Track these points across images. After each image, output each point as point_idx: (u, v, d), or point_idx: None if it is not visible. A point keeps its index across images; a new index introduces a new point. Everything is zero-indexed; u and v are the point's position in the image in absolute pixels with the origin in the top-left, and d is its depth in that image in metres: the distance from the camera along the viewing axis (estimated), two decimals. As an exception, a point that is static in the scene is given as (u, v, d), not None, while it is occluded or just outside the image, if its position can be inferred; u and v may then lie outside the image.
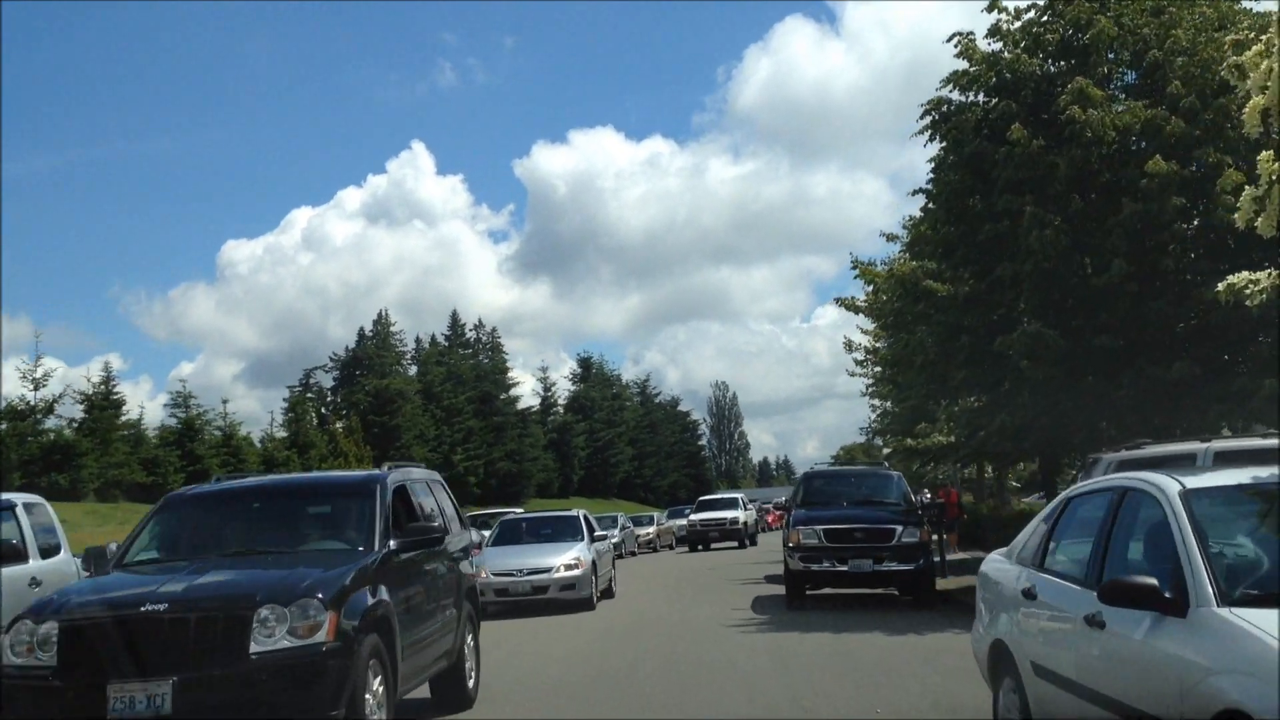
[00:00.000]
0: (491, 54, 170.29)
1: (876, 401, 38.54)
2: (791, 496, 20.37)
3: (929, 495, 34.59)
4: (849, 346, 31.48)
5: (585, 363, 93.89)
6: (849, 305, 28.22)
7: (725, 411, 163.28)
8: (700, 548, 39.96)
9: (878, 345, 30.27)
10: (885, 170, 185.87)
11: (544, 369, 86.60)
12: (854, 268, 23.30)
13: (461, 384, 73.04)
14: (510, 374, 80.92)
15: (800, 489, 19.13)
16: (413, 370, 73.47)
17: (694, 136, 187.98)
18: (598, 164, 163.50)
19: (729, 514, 41.39)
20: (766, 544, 43.23)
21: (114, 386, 45.82)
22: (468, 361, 75.33)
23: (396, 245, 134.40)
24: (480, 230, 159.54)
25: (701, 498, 47.87)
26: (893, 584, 16.92)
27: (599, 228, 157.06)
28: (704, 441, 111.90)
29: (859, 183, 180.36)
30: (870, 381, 32.57)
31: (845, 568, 16.47)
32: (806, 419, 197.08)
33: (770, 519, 67.54)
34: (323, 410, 65.78)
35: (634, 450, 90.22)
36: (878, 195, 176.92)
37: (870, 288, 24.55)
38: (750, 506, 45.64)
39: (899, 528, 16.60)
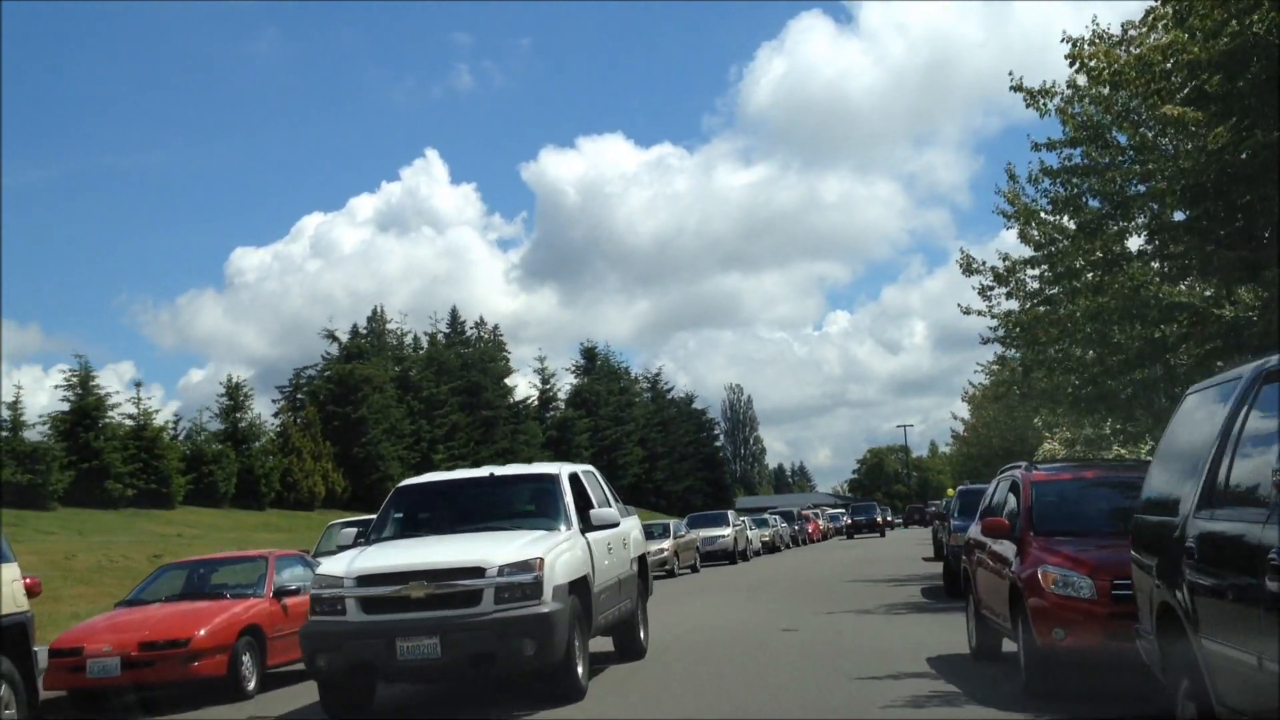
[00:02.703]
0: (508, 56, 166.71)
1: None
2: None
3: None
4: (966, 266, 21.92)
5: (590, 353, 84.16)
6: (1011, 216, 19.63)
7: (740, 415, 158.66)
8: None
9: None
10: (900, 174, 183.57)
11: (542, 358, 76.78)
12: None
13: (445, 373, 63.52)
14: (504, 363, 71.34)
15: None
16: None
17: (704, 140, 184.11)
18: (606, 170, 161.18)
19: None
20: (769, 563, 38.48)
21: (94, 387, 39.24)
22: (453, 349, 65.54)
23: (406, 253, 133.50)
24: (490, 238, 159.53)
25: (691, 515, 44.47)
26: None
27: (607, 234, 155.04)
28: (721, 443, 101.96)
29: (872, 186, 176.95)
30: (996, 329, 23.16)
31: None
32: (819, 427, 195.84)
33: (811, 529, 58.35)
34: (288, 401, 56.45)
35: (644, 451, 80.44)
36: (892, 199, 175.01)
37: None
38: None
39: None
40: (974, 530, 11.49)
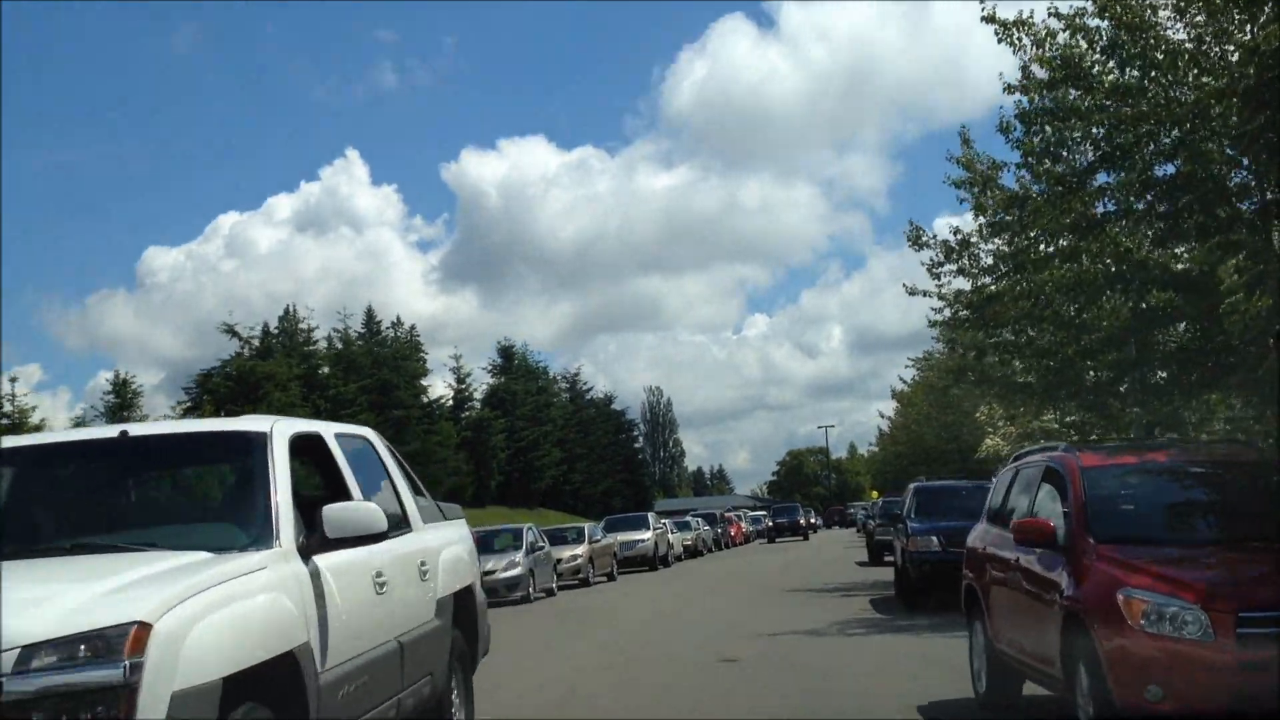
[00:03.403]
0: (432, 54, 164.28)
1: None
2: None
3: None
4: (915, 239, 20.06)
5: (507, 353, 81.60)
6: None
7: (660, 418, 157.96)
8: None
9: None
10: (820, 178, 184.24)
11: (458, 356, 74.04)
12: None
13: (355, 371, 60.65)
14: (418, 362, 68.49)
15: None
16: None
17: (626, 141, 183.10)
18: (528, 171, 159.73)
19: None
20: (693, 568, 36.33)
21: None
22: (365, 347, 62.57)
23: (324, 254, 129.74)
24: (411, 239, 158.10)
25: (608, 517, 41.33)
26: None
27: (528, 236, 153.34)
28: (640, 445, 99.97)
29: (793, 190, 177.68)
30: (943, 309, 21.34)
31: None
32: (738, 430, 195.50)
33: (734, 531, 56.45)
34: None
35: (562, 452, 78.14)
36: (812, 204, 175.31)
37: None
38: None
39: None
40: (983, 537, 8.94)
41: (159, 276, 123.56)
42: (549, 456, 76.55)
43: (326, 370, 56.64)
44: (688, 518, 48.51)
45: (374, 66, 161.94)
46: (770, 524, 64.00)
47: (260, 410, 48.99)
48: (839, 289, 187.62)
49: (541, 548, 27.45)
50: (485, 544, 28.00)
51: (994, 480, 10.55)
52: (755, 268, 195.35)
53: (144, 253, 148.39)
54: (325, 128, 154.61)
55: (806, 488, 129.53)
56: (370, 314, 68.77)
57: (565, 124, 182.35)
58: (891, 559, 20.98)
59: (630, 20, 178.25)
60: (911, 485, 22.19)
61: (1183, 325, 15.44)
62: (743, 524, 62.15)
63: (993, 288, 18.55)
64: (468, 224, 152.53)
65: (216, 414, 48.51)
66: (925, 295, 20.45)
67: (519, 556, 26.21)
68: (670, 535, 39.72)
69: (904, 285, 21.12)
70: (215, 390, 51.02)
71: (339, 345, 64.32)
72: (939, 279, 19.96)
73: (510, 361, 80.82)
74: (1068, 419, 20.70)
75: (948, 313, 20.87)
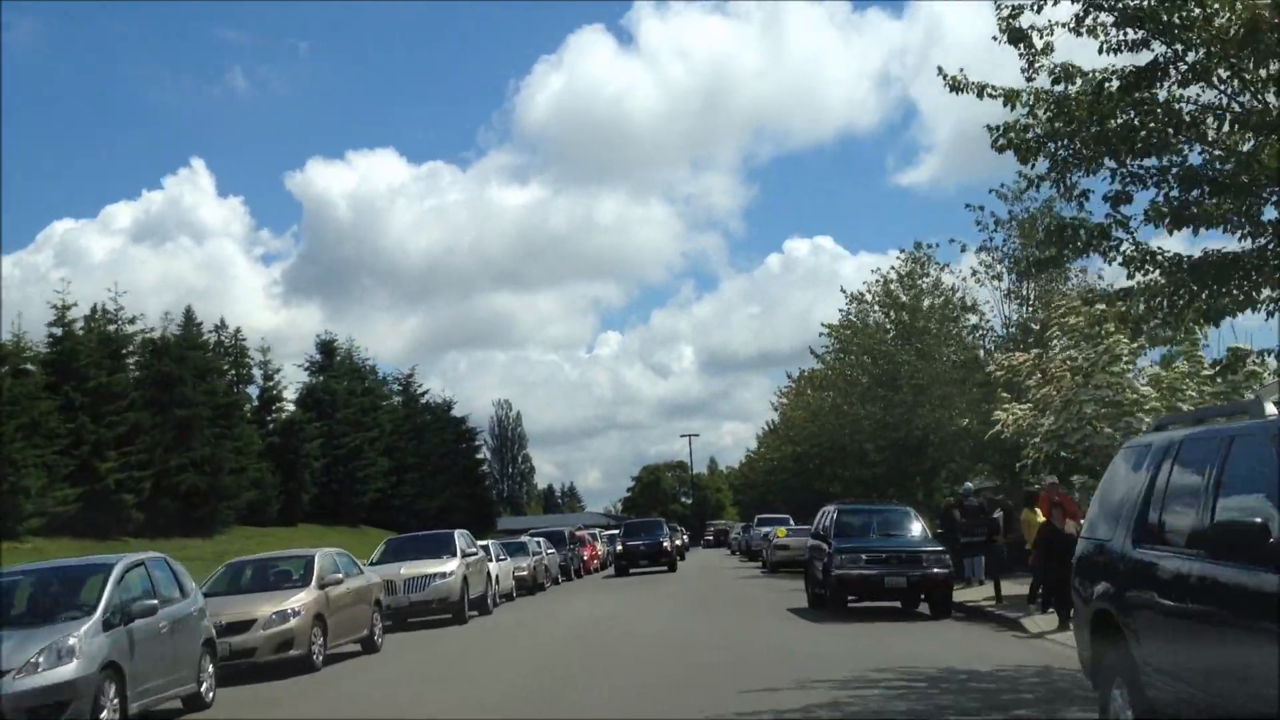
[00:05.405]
0: (285, 59, 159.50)
1: None
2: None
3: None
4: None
5: (327, 347, 71.13)
6: None
7: (509, 432, 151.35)
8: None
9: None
10: (676, 196, 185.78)
11: (265, 349, 63.25)
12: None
13: (122, 359, 49.88)
14: (212, 354, 57.77)
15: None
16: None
17: (479, 153, 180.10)
18: (377, 183, 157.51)
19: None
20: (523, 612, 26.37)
21: None
22: (133, 329, 51.53)
23: (163, 265, 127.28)
24: (257, 252, 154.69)
25: (390, 538, 29.47)
26: None
27: (376, 250, 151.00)
28: (483, 454, 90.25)
29: (648, 207, 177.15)
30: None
31: None
32: (590, 448, 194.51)
33: (587, 554, 47.28)
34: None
35: (390, 462, 68.15)
36: (667, 222, 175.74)
37: None
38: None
39: None
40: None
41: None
42: (375, 466, 66.50)
43: (82, 359, 45.66)
44: (523, 538, 37.48)
45: (225, 70, 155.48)
46: (620, 548, 45.01)
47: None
48: (690, 310, 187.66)
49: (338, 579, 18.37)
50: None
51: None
52: (609, 285, 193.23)
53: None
54: (171, 133, 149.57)
55: (664, 504, 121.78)
56: (189, 315, 57.69)
57: (417, 135, 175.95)
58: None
59: (486, 29, 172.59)
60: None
61: None
62: (598, 545, 52.96)
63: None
64: (313, 236, 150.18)
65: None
66: (993, 97, 11.80)
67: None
68: (494, 564, 28.91)
69: (941, 73, 12.21)
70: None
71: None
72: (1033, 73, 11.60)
73: (331, 358, 70.46)
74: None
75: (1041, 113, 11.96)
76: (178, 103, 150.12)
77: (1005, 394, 21.25)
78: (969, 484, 26.34)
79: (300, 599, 17.05)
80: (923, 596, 20.48)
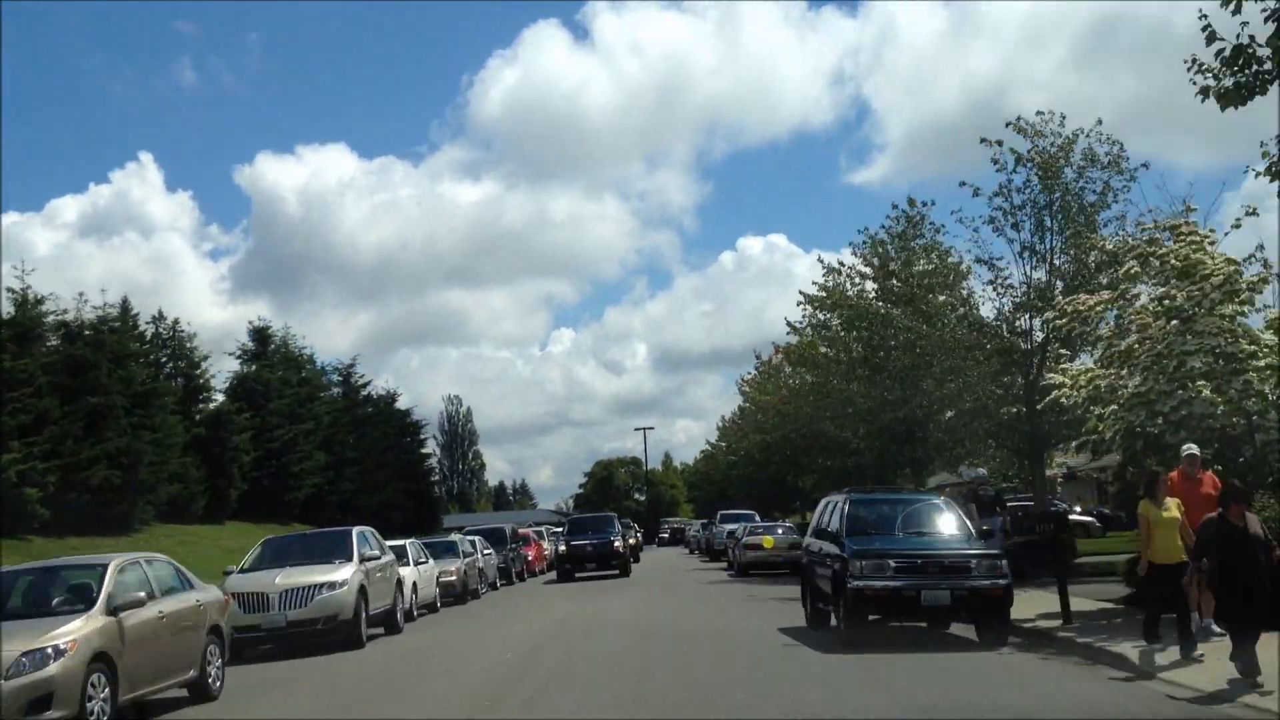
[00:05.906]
0: (235, 51, 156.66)
1: None
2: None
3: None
4: None
5: (260, 334, 67.02)
6: None
7: (459, 428, 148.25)
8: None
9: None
10: (630, 192, 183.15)
11: (191, 335, 59.16)
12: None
13: (32, 341, 45.68)
14: (133, 342, 53.63)
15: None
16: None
17: (433, 148, 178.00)
18: (327, 178, 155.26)
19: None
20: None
21: None
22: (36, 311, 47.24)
23: (108, 260, 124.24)
24: (205, 247, 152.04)
25: (268, 539, 22.47)
26: None
27: (327, 245, 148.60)
28: (430, 450, 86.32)
29: (602, 204, 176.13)
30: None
31: None
32: (542, 445, 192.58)
33: (532, 555, 43.52)
34: None
35: (328, 456, 64.23)
36: (621, 218, 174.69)
37: None
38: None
39: None
40: None
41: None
42: (311, 460, 62.59)
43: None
44: (454, 536, 33.38)
45: (174, 62, 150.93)
46: (563, 548, 39.18)
47: None
48: (643, 307, 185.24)
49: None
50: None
51: None
52: (562, 282, 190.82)
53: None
54: (119, 126, 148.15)
55: (618, 501, 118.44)
56: (125, 305, 53.57)
57: (369, 130, 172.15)
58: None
59: (440, 23, 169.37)
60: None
61: None
62: (543, 544, 49.17)
63: None
64: (262, 231, 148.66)
65: None
66: None
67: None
68: (409, 569, 24.16)
69: None
70: None
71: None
72: None
73: (265, 345, 66.38)
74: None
75: None
76: (126, 95, 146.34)
77: (1064, 350, 17.89)
78: (981, 470, 23.12)
79: (70, 631, 11.86)
80: (965, 614, 15.95)
